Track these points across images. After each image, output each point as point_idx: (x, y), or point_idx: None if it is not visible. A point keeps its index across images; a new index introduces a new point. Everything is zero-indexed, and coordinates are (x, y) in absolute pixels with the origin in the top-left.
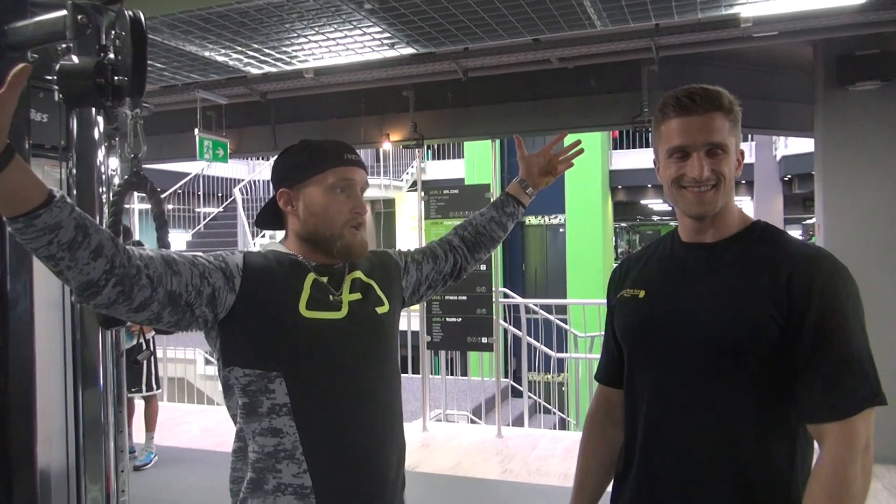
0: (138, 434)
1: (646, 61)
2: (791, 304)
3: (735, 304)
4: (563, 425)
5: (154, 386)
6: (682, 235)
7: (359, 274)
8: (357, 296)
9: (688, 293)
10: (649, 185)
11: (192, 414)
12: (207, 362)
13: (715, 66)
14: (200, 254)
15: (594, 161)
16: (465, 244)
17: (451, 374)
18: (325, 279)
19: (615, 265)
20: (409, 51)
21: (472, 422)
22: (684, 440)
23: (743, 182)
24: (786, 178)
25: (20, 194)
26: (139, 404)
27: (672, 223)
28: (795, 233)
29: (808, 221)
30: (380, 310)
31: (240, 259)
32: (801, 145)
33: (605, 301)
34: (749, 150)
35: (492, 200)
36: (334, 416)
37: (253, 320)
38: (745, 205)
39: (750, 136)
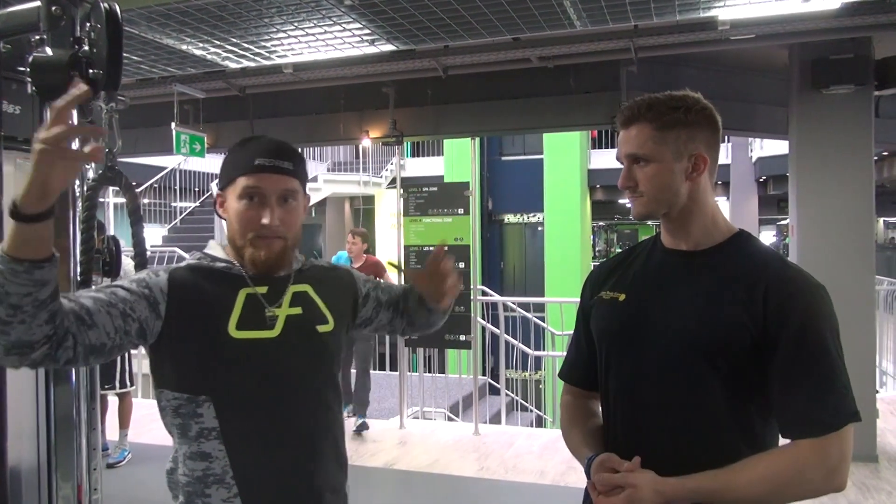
0: (112, 431)
1: (625, 62)
2: (766, 321)
3: (709, 311)
4: (540, 423)
5: (128, 383)
6: (664, 241)
7: (305, 287)
8: (297, 310)
9: (665, 299)
10: None
11: None
12: None
13: (692, 68)
14: (124, 283)
15: (573, 160)
16: (407, 317)
17: (429, 372)
18: (263, 290)
19: (594, 265)
20: (389, 47)
21: (450, 419)
22: (657, 442)
23: (719, 183)
24: (761, 180)
25: (42, 243)
26: (112, 401)
27: (649, 223)
28: (769, 233)
29: (783, 222)
30: (321, 328)
31: (164, 282)
32: (776, 147)
33: None
34: (725, 152)
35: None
36: (265, 439)
37: (180, 344)
38: (721, 205)
39: (726, 137)
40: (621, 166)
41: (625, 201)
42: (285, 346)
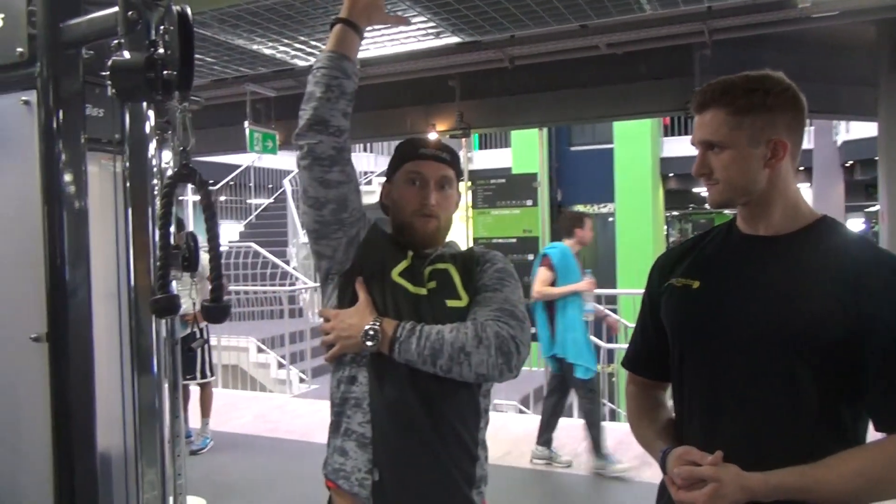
0: (194, 420)
1: (697, 45)
2: (860, 308)
3: (796, 300)
4: (613, 416)
5: (208, 373)
6: (740, 226)
7: (446, 266)
8: (432, 284)
9: (746, 286)
10: None
11: (245, 400)
12: (259, 350)
13: (771, 50)
14: None
15: (644, 149)
16: None
17: None
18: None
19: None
20: (454, 40)
21: (521, 412)
22: (738, 437)
23: (801, 169)
24: (847, 164)
25: (351, 46)
26: (195, 391)
27: (726, 212)
28: (857, 220)
29: (871, 209)
30: (451, 303)
31: (369, 224)
32: (864, 129)
33: None
34: (807, 137)
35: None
36: (401, 378)
37: (355, 274)
38: (804, 192)
39: (809, 120)
40: (693, 154)
41: (699, 190)
42: (428, 307)
